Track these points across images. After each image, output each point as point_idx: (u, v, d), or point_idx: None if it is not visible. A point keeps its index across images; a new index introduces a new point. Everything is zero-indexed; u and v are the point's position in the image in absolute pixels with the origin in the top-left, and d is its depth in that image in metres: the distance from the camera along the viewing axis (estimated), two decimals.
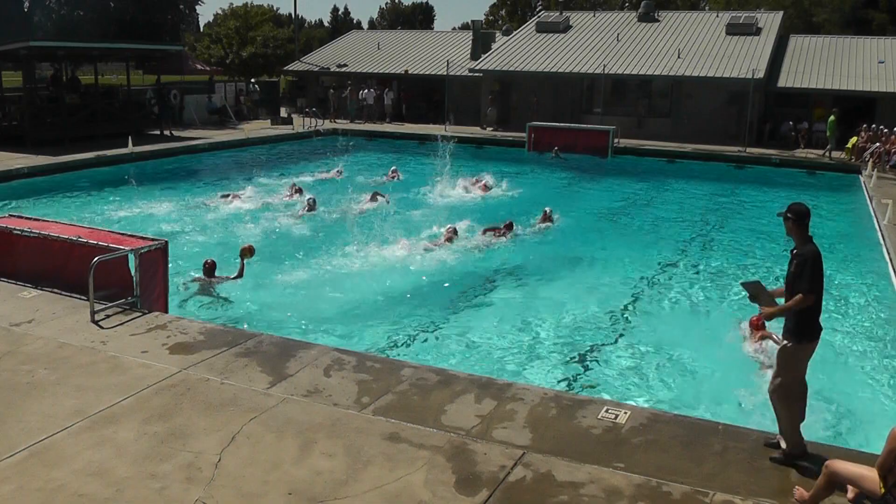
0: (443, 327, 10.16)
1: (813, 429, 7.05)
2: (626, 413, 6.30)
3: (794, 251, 5.70)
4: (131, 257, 8.51)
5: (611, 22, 35.68)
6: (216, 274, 11.34)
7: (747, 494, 5.17)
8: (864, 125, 25.24)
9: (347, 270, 12.58)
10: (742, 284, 5.80)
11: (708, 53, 30.22)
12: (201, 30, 65.05)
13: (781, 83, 29.18)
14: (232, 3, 73.45)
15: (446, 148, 21.02)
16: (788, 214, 5.73)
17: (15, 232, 9.43)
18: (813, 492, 4.93)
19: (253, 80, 44.66)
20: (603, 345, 9.69)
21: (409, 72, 35.97)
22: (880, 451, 4.60)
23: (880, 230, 15.13)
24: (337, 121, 33.97)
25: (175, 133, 28.01)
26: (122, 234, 9.36)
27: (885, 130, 24.14)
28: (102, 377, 6.79)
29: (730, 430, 6.13)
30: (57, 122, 24.80)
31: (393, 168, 22.47)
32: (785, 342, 5.59)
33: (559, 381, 8.50)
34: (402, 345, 9.50)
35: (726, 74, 28.25)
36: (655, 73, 29.52)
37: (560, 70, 31.08)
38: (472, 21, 39.43)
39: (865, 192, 19.78)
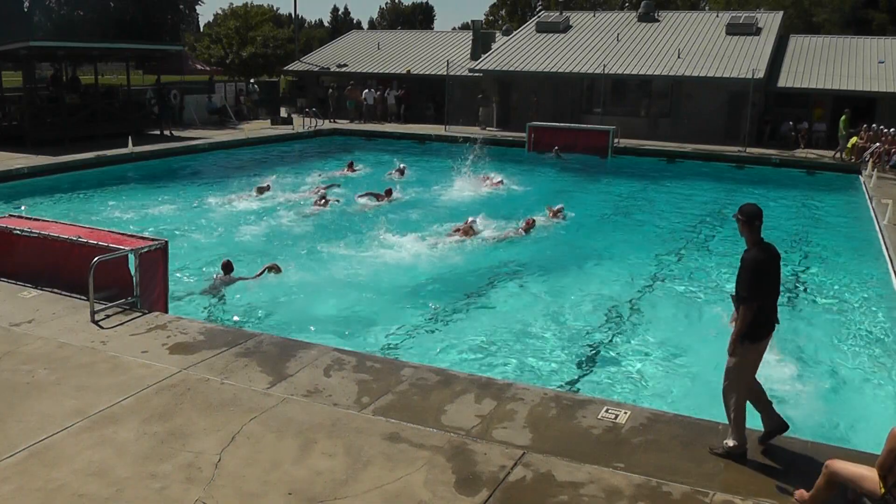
0: (443, 326, 10.16)
1: (813, 429, 7.07)
2: (626, 413, 6.30)
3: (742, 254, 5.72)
4: (131, 257, 8.52)
5: (611, 22, 35.68)
6: (232, 274, 11.47)
7: (747, 494, 5.17)
8: (864, 125, 25.23)
9: (352, 268, 12.65)
10: (731, 296, 5.82)
11: (708, 53, 30.22)
12: (201, 30, 65.10)
13: (781, 83, 29.18)
14: (232, 3, 73.60)
15: (472, 149, 21.71)
16: (739, 216, 5.72)
17: (15, 232, 9.43)
18: (813, 492, 4.93)
19: (252, 80, 44.65)
20: (603, 344, 9.69)
21: (411, 72, 35.96)
22: (880, 451, 4.60)
23: (880, 230, 15.13)
24: (337, 121, 33.99)
25: (175, 133, 28.00)
26: (122, 234, 9.35)
27: (885, 130, 24.15)
28: (102, 377, 6.79)
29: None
30: (57, 122, 24.79)
31: (402, 165, 22.81)
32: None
33: (559, 381, 8.50)
34: (403, 344, 9.49)
35: (726, 74, 28.25)
36: (655, 73, 29.52)
37: (560, 70, 31.08)
38: (472, 21, 39.43)
39: (865, 192, 19.78)
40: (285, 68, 41.37)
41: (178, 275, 11.33)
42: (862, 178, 22.08)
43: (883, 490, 4.50)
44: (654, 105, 30.42)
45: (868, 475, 4.60)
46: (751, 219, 5.64)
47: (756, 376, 5.74)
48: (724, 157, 25.86)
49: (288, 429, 5.94)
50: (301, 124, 31.90)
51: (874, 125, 25.15)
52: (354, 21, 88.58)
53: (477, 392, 6.67)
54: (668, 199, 20.60)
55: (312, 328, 9.76)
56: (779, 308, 6.00)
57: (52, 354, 7.26)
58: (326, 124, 32.68)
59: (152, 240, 8.93)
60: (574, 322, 10.48)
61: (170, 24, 49.86)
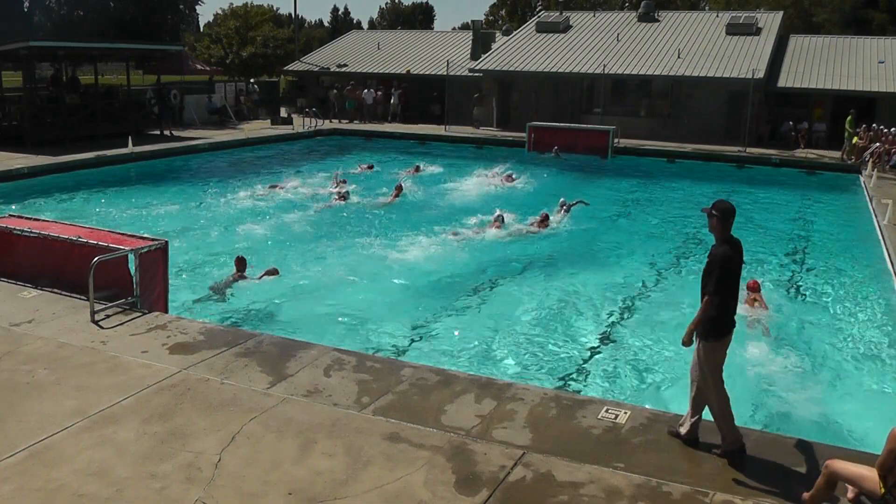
0: (443, 325, 10.17)
1: (813, 429, 7.07)
2: (626, 413, 6.30)
3: (711, 249, 5.74)
4: (131, 257, 8.52)
5: (611, 22, 35.68)
6: (244, 273, 11.62)
7: (747, 494, 5.17)
8: (864, 125, 25.23)
9: (355, 267, 12.74)
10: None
11: (708, 53, 30.22)
12: (201, 30, 65.09)
13: (781, 83, 29.17)
14: (232, 3, 73.62)
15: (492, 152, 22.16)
16: (713, 211, 5.73)
17: (15, 232, 9.43)
18: (813, 492, 4.93)
19: (252, 80, 44.64)
20: (603, 344, 9.69)
21: (411, 72, 35.95)
22: (880, 451, 4.60)
23: (880, 230, 15.13)
24: (343, 121, 34.03)
25: (175, 133, 28.00)
26: (122, 234, 9.35)
27: (885, 130, 24.15)
28: (102, 377, 6.79)
29: None
30: (57, 122, 24.79)
31: (416, 165, 23.20)
32: (696, 341, 5.67)
33: (559, 381, 8.50)
34: (403, 343, 9.50)
35: (726, 74, 28.25)
36: (655, 73, 29.52)
37: (560, 70, 31.08)
38: (472, 21, 39.42)
39: (865, 192, 19.78)
40: (285, 68, 41.36)
41: (177, 275, 11.34)
42: (862, 178, 22.08)
43: (883, 490, 4.50)
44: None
45: (868, 475, 4.60)
46: (726, 215, 5.68)
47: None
48: (724, 157, 25.86)
49: (288, 429, 5.94)
50: (301, 124, 31.90)
51: (874, 125, 25.16)
52: (354, 21, 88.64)
53: (477, 392, 6.67)
54: (668, 198, 20.61)
55: (313, 328, 9.76)
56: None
57: (52, 354, 7.26)
58: (327, 124, 32.69)
59: (152, 240, 8.93)
60: (574, 321, 10.48)
61: (170, 24, 49.84)
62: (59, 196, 17.95)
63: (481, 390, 6.72)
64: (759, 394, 8.30)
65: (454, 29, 62.40)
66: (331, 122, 33.58)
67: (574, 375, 8.75)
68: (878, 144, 23.56)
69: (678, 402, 7.87)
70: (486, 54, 33.84)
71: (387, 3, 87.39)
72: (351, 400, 6.46)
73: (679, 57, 30.12)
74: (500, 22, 66.69)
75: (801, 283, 12.75)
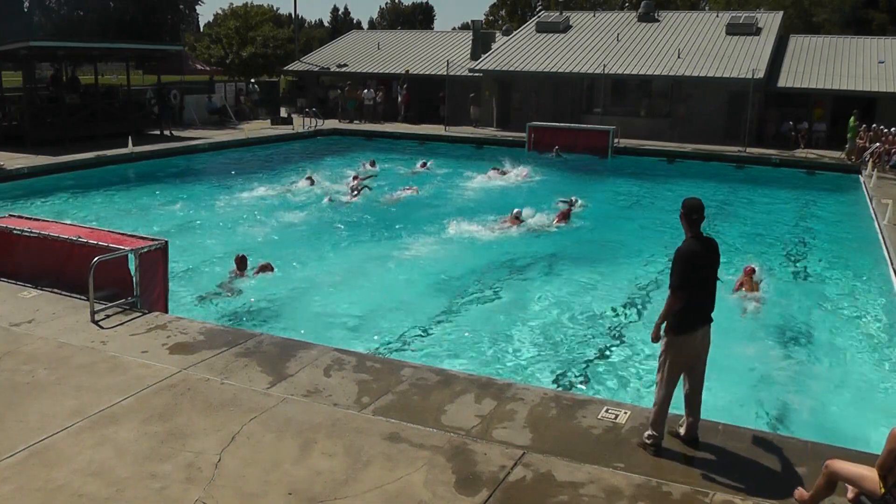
0: (444, 325, 10.17)
1: (813, 428, 7.07)
2: (626, 413, 6.30)
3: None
4: (131, 257, 8.52)
5: (611, 22, 35.67)
6: (246, 271, 11.69)
7: (747, 494, 5.17)
8: (864, 125, 25.23)
9: (357, 265, 12.82)
10: None
11: (708, 53, 30.22)
12: (201, 30, 65.06)
13: (781, 83, 29.17)
14: (232, 3, 73.56)
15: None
16: (681, 209, 5.72)
17: (15, 232, 9.43)
18: (813, 492, 4.93)
19: (252, 80, 44.64)
20: (603, 344, 9.69)
21: (410, 72, 35.93)
22: (880, 451, 4.60)
23: (880, 230, 15.13)
24: (343, 121, 34.07)
25: (175, 133, 28.00)
26: (122, 234, 9.35)
27: (885, 130, 24.14)
28: (102, 377, 6.79)
29: (730, 429, 6.13)
30: (57, 122, 24.77)
31: (423, 161, 23.51)
32: (663, 335, 5.68)
33: (559, 381, 8.50)
34: (403, 342, 9.50)
35: (726, 74, 28.25)
36: (655, 73, 29.51)
37: (560, 70, 31.08)
38: (472, 21, 39.41)
39: (865, 192, 19.78)
40: (285, 68, 41.36)
41: (178, 275, 11.34)
42: (862, 178, 22.08)
43: (883, 490, 4.50)
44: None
45: (868, 475, 4.60)
46: (688, 212, 5.65)
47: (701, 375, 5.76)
48: (724, 157, 25.86)
49: (288, 429, 5.94)
50: (301, 124, 31.91)
51: (874, 125, 25.16)
52: (354, 21, 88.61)
53: (477, 392, 6.67)
54: (668, 198, 20.59)
55: (314, 328, 9.76)
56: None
57: (52, 354, 7.26)
58: (337, 124, 32.79)
59: (152, 240, 8.93)
60: (574, 321, 10.48)
61: (170, 24, 49.78)
62: (59, 196, 17.95)
63: (481, 390, 6.72)
64: (759, 394, 8.31)
65: (454, 29, 62.41)
66: (339, 121, 33.68)
67: (574, 375, 8.74)
68: (878, 144, 23.56)
69: (678, 402, 7.87)
70: (486, 54, 33.84)
71: (387, 3, 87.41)
72: (351, 400, 6.46)
73: (679, 57, 30.11)
74: (500, 22, 66.67)
75: (800, 284, 12.75)
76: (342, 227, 15.72)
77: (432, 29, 73.64)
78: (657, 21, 34.68)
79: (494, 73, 32.22)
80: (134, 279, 8.56)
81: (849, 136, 24.99)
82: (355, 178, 20.18)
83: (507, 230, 15.36)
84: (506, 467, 5.46)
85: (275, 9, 66.05)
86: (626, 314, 10.88)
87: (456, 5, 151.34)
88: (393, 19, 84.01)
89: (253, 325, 9.73)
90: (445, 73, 32.54)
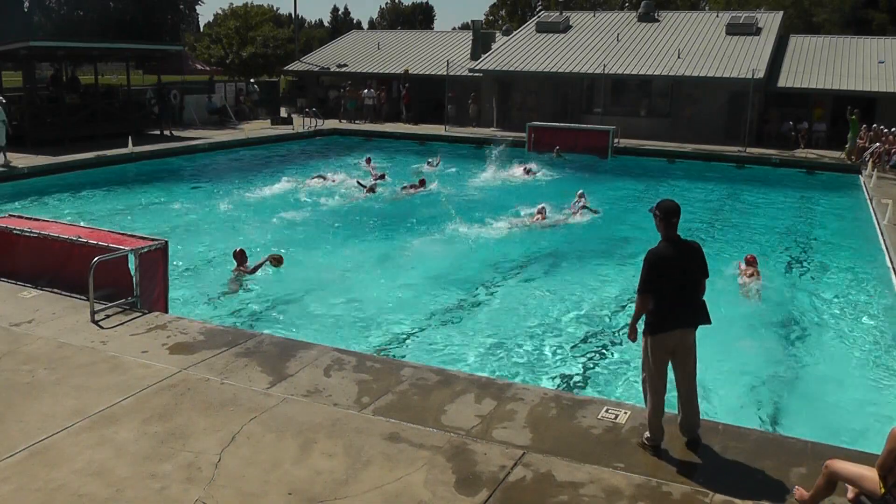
0: (445, 324, 10.17)
1: (813, 428, 7.06)
2: (626, 413, 6.30)
3: None
4: (131, 257, 8.51)
5: (611, 22, 35.68)
6: (246, 264, 11.73)
7: (747, 494, 5.17)
8: (864, 125, 25.23)
9: (358, 265, 12.80)
10: None
11: (708, 53, 30.22)
12: (201, 30, 65.05)
13: (781, 83, 29.18)
14: (232, 3, 73.55)
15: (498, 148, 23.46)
16: (656, 211, 5.78)
17: (15, 232, 9.43)
18: (813, 492, 4.92)
19: (252, 80, 44.66)
20: (603, 344, 9.69)
21: (409, 72, 35.93)
22: (880, 451, 4.60)
23: (880, 230, 15.13)
24: (343, 121, 34.09)
25: (175, 133, 28.00)
26: (122, 234, 9.35)
27: (885, 130, 24.14)
28: (102, 377, 6.79)
29: (730, 429, 6.13)
30: (57, 122, 24.77)
31: (428, 161, 23.83)
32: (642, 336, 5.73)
33: (559, 381, 8.50)
34: (401, 342, 9.50)
35: (726, 74, 28.25)
36: (655, 73, 29.52)
37: (560, 70, 31.08)
38: (472, 21, 39.41)
39: (865, 192, 19.78)
40: (285, 68, 41.36)
41: (178, 274, 11.34)
42: (862, 178, 22.08)
43: (883, 490, 4.50)
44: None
45: (868, 475, 4.60)
46: (668, 215, 5.70)
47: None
48: (724, 157, 25.86)
49: (288, 429, 5.93)
50: (301, 124, 31.91)
51: (874, 125, 25.15)
52: (354, 21, 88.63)
53: (477, 392, 6.67)
54: (669, 198, 20.58)
55: (314, 328, 9.77)
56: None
57: (52, 354, 7.26)
58: (337, 124, 32.79)
59: (152, 240, 8.93)
60: (574, 321, 10.48)
61: (170, 24, 49.79)
62: (59, 196, 17.95)
63: (481, 390, 6.72)
64: (759, 393, 8.31)
65: (454, 29, 62.40)
66: (340, 121, 33.73)
67: (574, 375, 8.74)
68: (878, 144, 23.56)
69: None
70: (486, 54, 33.84)
71: (387, 3, 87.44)
72: (351, 400, 6.46)
73: (679, 57, 30.11)
74: (500, 22, 66.68)
75: (800, 284, 12.74)
76: (342, 226, 15.73)
77: (432, 29, 73.65)
78: (657, 21, 34.69)
79: (494, 73, 32.23)
80: (134, 279, 8.56)
81: (850, 135, 24.99)
82: (375, 175, 20.73)
83: (526, 226, 15.66)
84: (506, 467, 5.46)
85: (275, 9, 66.13)
86: (626, 314, 10.87)
87: (456, 5, 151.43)
88: (393, 19, 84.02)
89: (253, 325, 9.73)
90: (445, 73, 32.53)
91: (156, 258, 8.79)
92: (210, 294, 11.09)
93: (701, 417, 5.91)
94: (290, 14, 73.43)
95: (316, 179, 20.07)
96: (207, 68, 43.39)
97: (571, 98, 31.60)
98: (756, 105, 28.08)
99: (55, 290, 9.00)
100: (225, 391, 6.57)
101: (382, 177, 20.50)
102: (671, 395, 5.82)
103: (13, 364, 7.02)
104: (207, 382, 6.74)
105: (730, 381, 8.41)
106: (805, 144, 27.42)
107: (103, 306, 8.34)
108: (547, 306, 11.05)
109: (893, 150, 23.29)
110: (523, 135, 27.68)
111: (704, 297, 5.77)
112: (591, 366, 9.03)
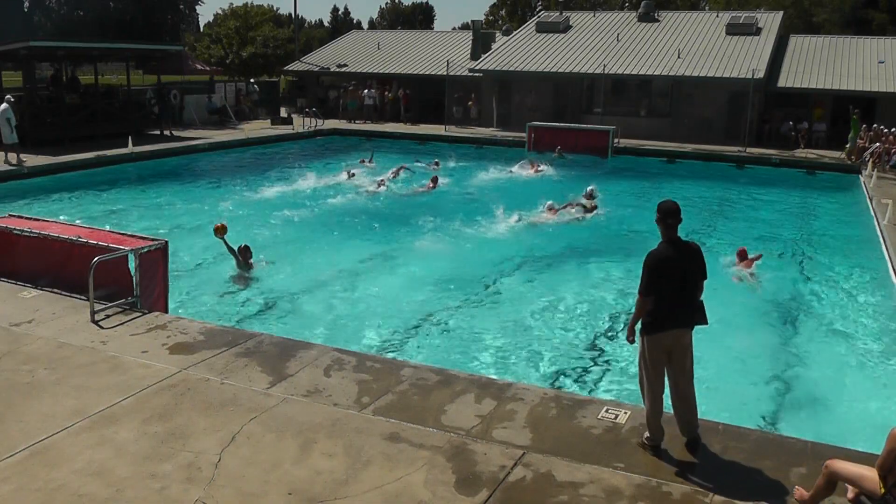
0: (446, 324, 10.17)
1: (813, 428, 7.07)
2: (626, 413, 6.30)
3: None
4: (131, 257, 8.52)
5: (611, 22, 35.68)
6: (249, 260, 11.82)
7: (747, 494, 5.17)
8: (865, 125, 25.23)
9: (360, 264, 12.78)
10: None
11: (708, 53, 30.22)
12: (201, 30, 65.04)
13: (781, 83, 29.18)
14: (232, 3, 73.56)
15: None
16: (656, 213, 5.75)
17: (15, 232, 9.43)
18: (813, 492, 4.92)
19: (252, 80, 44.67)
20: (604, 344, 9.69)
21: (407, 72, 35.94)
22: (880, 451, 4.60)
23: (880, 230, 15.12)
24: (342, 120, 34.11)
25: (175, 133, 27.99)
26: (122, 234, 9.36)
27: (885, 130, 24.13)
28: (102, 377, 6.79)
29: (730, 429, 6.13)
30: (57, 122, 24.76)
31: (436, 160, 23.90)
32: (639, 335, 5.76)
33: (559, 381, 8.50)
34: (401, 341, 9.50)
35: (726, 74, 28.25)
36: (655, 73, 29.52)
37: (560, 70, 31.08)
38: (472, 21, 39.39)
39: (865, 192, 19.78)
40: (285, 68, 41.36)
41: (178, 275, 11.33)
42: (862, 178, 22.08)
43: (883, 490, 4.50)
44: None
45: (868, 475, 4.60)
46: (664, 216, 5.68)
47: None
48: (724, 157, 25.86)
49: (288, 429, 5.93)
50: (301, 124, 31.91)
51: (874, 125, 25.15)
52: (354, 21, 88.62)
53: (477, 392, 6.67)
54: (669, 198, 20.58)
55: (315, 328, 9.77)
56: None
57: (52, 354, 7.26)
58: (337, 124, 32.83)
59: (152, 240, 8.93)
60: (574, 321, 10.48)
61: (170, 24, 49.79)
62: (59, 196, 17.95)
63: (481, 390, 6.72)
64: (759, 393, 8.31)
65: (454, 29, 62.39)
66: (339, 121, 33.77)
67: (574, 375, 8.74)
68: (878, 144, 23.56)
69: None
70: (486, 54, 33.84)
71: (387, 3, 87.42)
72: (351, 400, 6.46)
73: (679, 57, 30.12)
74: (500, 22, 66.68)
75: (800, 283, 12.74)
76: (342, 226, 15.74)
77: (432, 29, 73.65)
78: (657, 21, 34.70)
79: (494, 73, 32.22)
80: (134, 279, 8.56)
81: (850, 135, 24.97)
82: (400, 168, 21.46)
83: (532, 224, 15.88)
84: (506, 467, 5.46)
85: (275, 9, 66.13)
86: (626, 314, 10.87)
87: (456, 5, 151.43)
88: (393, 19, 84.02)
89: (253, 325, 9.73)
90: (445, 74, 32.53)
91: (156, 258, 8.79)
92: (210, 294, 11.09)
93: (700, 418, 5.91)
94: (290, 14, 73.52)
95: (344, 173, 20.78)
96: (207, 68, 43.39)
97: (571, 98, 31.61)
98: (756, 105, 28.07)
99: (55, 290, 9.00)
100: (225, 391, 6.57)
101: (398, 172, 21.05)
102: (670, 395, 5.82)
103: (13, 364, 7.02)
104: (207, 382, 6.74)
105: (729, 381, 8.41)
106: (805, 144, 27.43)
107: (103, 306, 8.35)
108: (547, 306, 11.04)
109: (893, 150, 23.29)
110: (523, 135, 27.69)
111: (703, 298, 5.78)
112: (592, 366, 9.03)
